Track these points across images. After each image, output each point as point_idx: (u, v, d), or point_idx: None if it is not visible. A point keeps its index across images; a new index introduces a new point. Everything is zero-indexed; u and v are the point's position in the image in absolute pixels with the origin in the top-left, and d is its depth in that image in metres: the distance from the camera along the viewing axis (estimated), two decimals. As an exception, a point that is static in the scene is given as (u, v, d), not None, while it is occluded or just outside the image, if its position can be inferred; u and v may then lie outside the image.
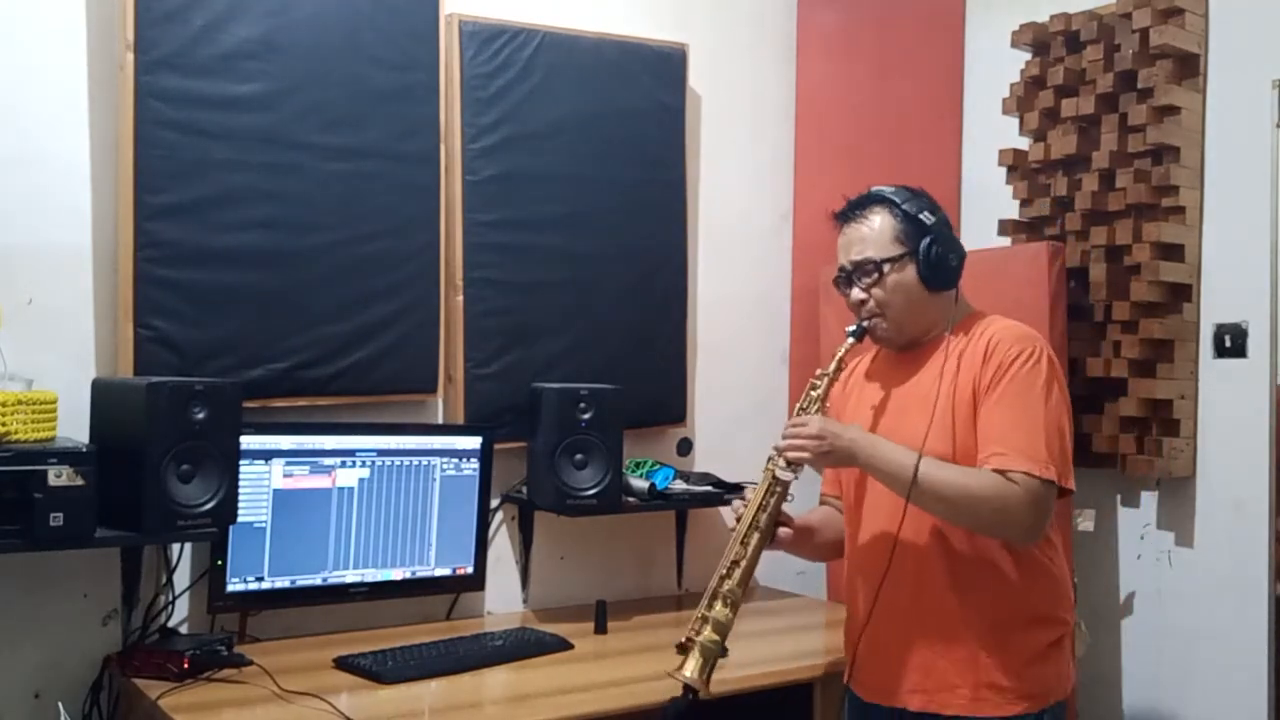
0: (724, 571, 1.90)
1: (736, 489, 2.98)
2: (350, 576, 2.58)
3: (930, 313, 1.99)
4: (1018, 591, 1.91)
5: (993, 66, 2.97)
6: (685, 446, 3.22)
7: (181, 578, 2.49)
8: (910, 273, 1.96)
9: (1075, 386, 2.46)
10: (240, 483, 2.26)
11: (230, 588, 2.43)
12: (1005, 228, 2.88)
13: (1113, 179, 2.64)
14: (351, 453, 2.57)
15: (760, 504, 1.94)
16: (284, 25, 2.55)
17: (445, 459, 2.69)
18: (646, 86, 3.09)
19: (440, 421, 2.82)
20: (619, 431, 2.77)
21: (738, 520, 1.96)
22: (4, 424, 2.05)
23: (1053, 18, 2.79)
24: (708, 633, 1.85)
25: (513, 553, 2.96)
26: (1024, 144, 2.87)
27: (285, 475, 2.48)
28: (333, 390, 2.61)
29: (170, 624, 2.46)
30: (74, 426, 2.27)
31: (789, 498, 1.96)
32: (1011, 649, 1.89)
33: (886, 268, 1.96)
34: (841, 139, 3.35)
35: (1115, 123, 2.65)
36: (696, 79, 3.21)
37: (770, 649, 2.54)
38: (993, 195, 2.93)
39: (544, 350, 2.90)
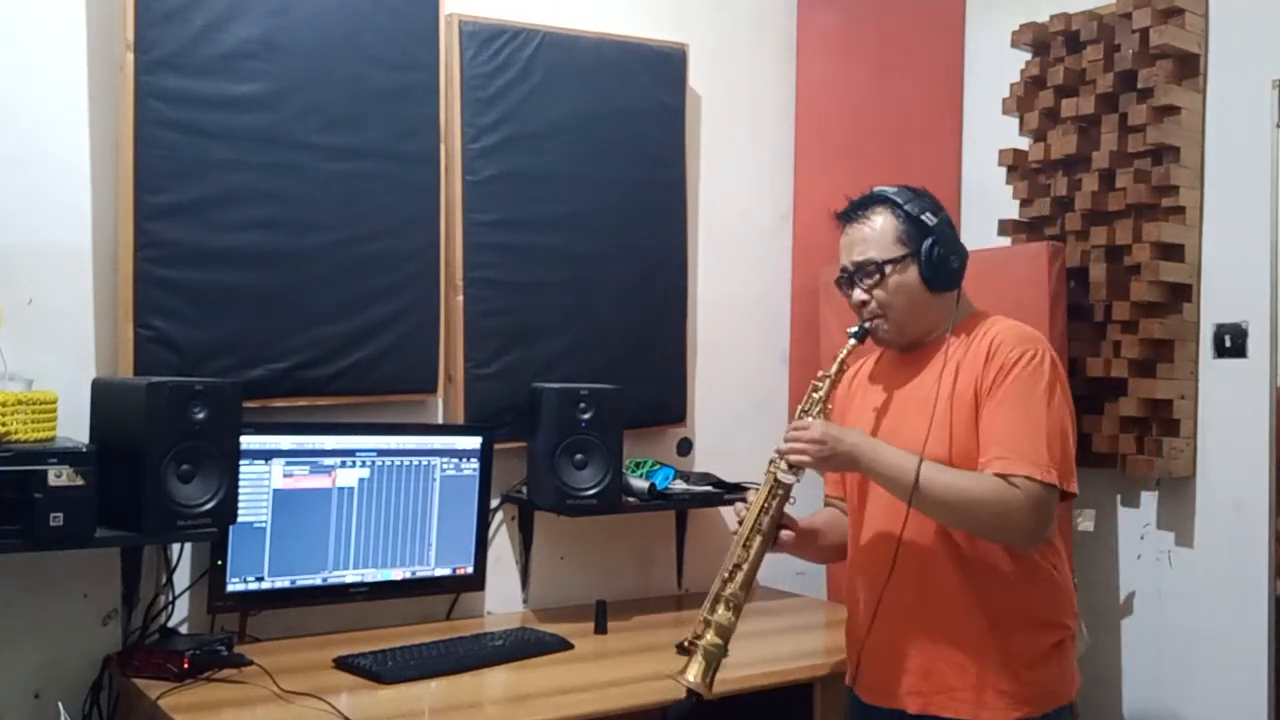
0: (726, 575, 1.90)
1: (736, 489, 2.98)
2: (350, 576, 2.57)
3: (932, 314, 1.98)
4: (1020, 595, 1.90)
5: (993, 66, 2.97)
6: (685, 446, 3.22)
7: (181, 578, 2.49)
8: (912, 274, 1.95)
9: (1075, 386, 2.44)
10: (240, 483, 2.26)
11: (230, 588, 2.43)
12: (1005, 228, 2.88)
13: (1113, 179, 2.64)
14: (351, 453, 2.57)
15: (762, 507, 1.93)
16: (284, 25, 2.54)
17: (445, 459, 2.68)
18: (646, 86, 3.09)
19: (440, 421, 2.82)
20: (619, 431, 2.77)
21: (740, 523, 1.95)
22: (4, 424, 2.04)
23: (1053, 18, 2.79)
24: (710, 636, 1.84)
25: (513, 553, 2.96)
26: (1024, 144, 2.87)
27: (285, 475, 2.48)
28: (333, 390, 2.61)
29: (170, 624, 2.46)
30: (74, 426, 2.27)
31: (791, 500, 1.95)
32: (1013, 652, 1.89)
33: (888, 269, 1.96)
34: (841, 139, 3.35)
35: (1115, 123, 2.65)
36: (696, 79, 3.21)
37: (770, 649, 2.53)
38: (993, 195, 2.93)
39: (544, 350, 2.90)
